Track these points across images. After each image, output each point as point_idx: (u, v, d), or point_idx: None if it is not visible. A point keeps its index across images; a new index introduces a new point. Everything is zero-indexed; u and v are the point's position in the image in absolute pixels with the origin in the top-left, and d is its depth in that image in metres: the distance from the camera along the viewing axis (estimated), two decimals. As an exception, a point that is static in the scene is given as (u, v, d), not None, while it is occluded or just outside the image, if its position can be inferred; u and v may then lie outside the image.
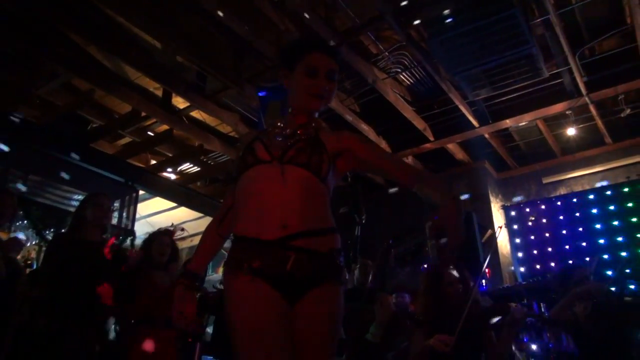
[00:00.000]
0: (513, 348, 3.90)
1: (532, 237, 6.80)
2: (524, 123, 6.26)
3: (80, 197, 5.94)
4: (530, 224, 6.87)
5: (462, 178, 7.19)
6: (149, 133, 6.69)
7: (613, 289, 5.16)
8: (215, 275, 6.75)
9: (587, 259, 6.06)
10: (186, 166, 7.51)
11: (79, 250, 3.14)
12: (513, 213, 7.11)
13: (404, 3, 4.23)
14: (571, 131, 6.31)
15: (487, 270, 5.93)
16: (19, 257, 3.73)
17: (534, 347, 4.23)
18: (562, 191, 6.95)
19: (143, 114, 5.78)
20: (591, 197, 6.53)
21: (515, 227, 7.01)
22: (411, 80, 5.70)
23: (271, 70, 5.10)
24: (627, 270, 5.72)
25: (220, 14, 4.08)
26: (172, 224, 7.02)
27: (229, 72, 5.11)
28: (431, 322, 3.08)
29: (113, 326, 3.68)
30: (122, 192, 6.08)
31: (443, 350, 2.73)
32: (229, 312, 1.52)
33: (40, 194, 5.94)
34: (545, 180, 7.14)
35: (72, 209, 5.90)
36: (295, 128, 1.75)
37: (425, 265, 6.48)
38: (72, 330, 2.96)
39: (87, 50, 4.92)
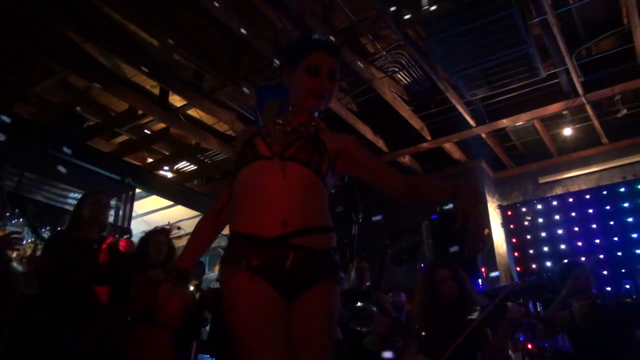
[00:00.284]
0: (509, 345, 3.92)
1: (529, 237, 6.82)
2: (520, 123, 6.27)
3: (77, 195, 5.93)
4: (526, 223, 6.89)
5: (459, 178, 7.20)
6: (146, 131, 6.68)
7: (609, 288, 5.19)
8: (212, 274, 6.74)
9: (583, 258, 6.09)
10: (183, 164, 7.49)
11: (77, 247, 3.14)
12: (509, 212, 7.12)
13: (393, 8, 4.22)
14: (568, 131, 6.33)
15: (483, 269, 5.95)
16: (14, 254, 3.71)
17: (529, 346, 4.24)
18: (559, 191, 6.97)
19: (140, 112, 5.77)
20: (587, 197, 6.55)
21: (512, 226, 7.03)
22: (408, 80, 5.71)
23: (268, 68, 5.10)
24: (623, 270, 5.76)
25: (216, 4, 4.06)
26: (169, 223, 7.02)
27: (226, 71, 5.10)
28: (425, 320, 3.11)
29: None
30: (118, 190, 6.06)
31: None
32: (227, 310, 1.51)
33: (36, 192, 5.92)
34: (542, 180, 7.16)
35: (68, 207, 5.90)
36: (295, 126, 1.75)
37: (422, 265, 6.49)
38: (68, 328, 2.95)
39: (84, 48, 4.90)
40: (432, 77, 5.27)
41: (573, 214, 6.56)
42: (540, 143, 6.90)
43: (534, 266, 6.57)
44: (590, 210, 6.43)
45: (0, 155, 4.91)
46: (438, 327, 3.06)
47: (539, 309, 4.31)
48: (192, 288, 4.14)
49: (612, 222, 6.21)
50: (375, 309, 4.19)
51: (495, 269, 6.47)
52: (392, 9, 4.25)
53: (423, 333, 3.15)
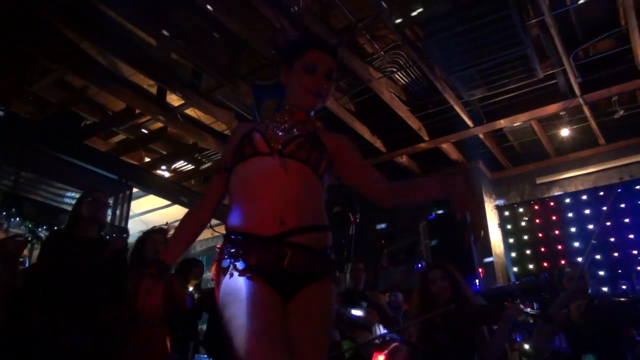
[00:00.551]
0: (506, 346, 3.93)
1: (526, 237, 6.83)
2: (518, 123, 6.28)
3: (74, 194, 5.92)
4: (523, 224, 6.90)
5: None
6: (143, 130, 6.67)
7: (605, 289, 5.20)
8: (209, 274, 6.73)
9: (579, 259, 6.10)
10: (180, 164, 7.49)
11: (76, 246, 3.13)
12: (506, 213, 7.13)
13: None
14: (565, 132, 6.35)
15: (480, 270, 5.95)
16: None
17: (526, 346, 4.25)
18: (556, 191, 6.99)
19: (137, 111, 5.76)
20: (584, 197, 6.57)
21: (509, 227, 7.04)
22: (406, 80, 5.71)
23: (266, 68, 5.09)
24: (619, 271, 5.77)
25: (209, 7, 4.06)
26: (167, 223, 7.02)
27: (224, 70, 5.09)
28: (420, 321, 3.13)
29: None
30: (115, 189, 6.05)
31: None
32: (222, 310, 1.50)
33: (33, 191, 5.90)
34: (539, 181, 7.17)
35: (65, 206, 5.88)
36: (294, 124, 1.74)
37: (419, 265, 6.49)
38: (66, 327, 2.95)
39: (81, 47, 4.89)
40: (429, 77, 5.27)
41: (570, 214, 6.57)
42: (538, 144, 6.91)
43: (531, 267, 6.58)
44: (587, 211, 6.45)
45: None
46: (433, 328, 3.07)
47: (536, 309, 4.31)
48: (191, 288, 4.13)
49: (609, 223, 6.22)
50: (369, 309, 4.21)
51: (492, 270, 6.48)
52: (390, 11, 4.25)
53: (416, 337, 3.17)
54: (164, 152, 7.18)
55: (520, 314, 2.92)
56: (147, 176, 6.67)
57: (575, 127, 6.41)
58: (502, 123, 6.13)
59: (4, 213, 4.86)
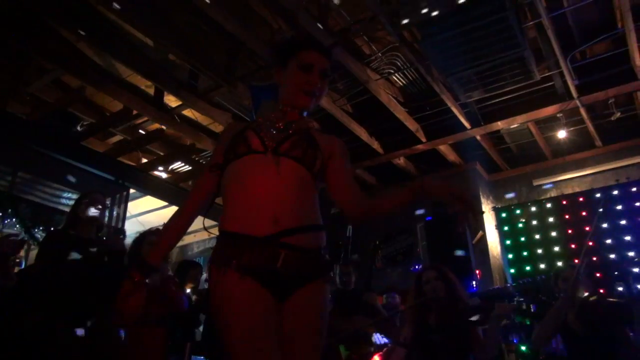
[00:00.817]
0: (503, 347, 3.93)
1: (523, 239, 6.84)
2: (515, 125, 6.29)
3: (70, 195, 5.90)
4: (520, 225, 6.91)
5: (454, 179, 7.21)
6: (140, 131, 6.66)
7: (602, 290, 5.21)
8: (205, 276, 6.72)
9: (576, 260, 6.10)
10: (177, 165, 7.47)
11: (73, 247, 3.13)
12: (504, 214, 7.14)
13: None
14: (562, 134, 6.36)
15: (477, 271, 5.96)
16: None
17: (523, 348, 4.26)
18: (553, 193, 7.00)
19: (134, 112, 5.75)
20: (581, 199, 6.58)
21: (506, 228, 7.05)
22: (404, 82, 5.71)
23: (264, 69, 5.09)
24: (616, 273, 5.78)
25: (208, 0, 4.05)
26: (164, 224, 6.99)
27: (222, 71, 5.09)
28: (415, 321, 3.15)
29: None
30: (112, 190, 6.04)
31: None
32: (217, 311, 1.50)
33: (29, 192, 5.89)
34: (536, 182, 7.18)
35: (62, 207, 5.87)
36: (287, 123, 1.73)
37: (416, 266, 6.50)
38: (63, 327, 2.94)
39: (78, 47, 4.88)
40: (427, 79, 5.28)
41: (567, 216, 6.59)
42: (535, 145, 6.92)
43: (527, 268, 6.59)
44: (584, 213, 6.46)
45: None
46: (428, 328, 3.09)
47: (532, 310, 4.32)
48: (188, 290, 4.12)
49: (605, 225, 6.23)
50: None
51: (489, 271, 6.49)
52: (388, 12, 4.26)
53: (410, 337, 3.19)
54: (161, 153, 7.16)
55: (509, 313, 2.94)
56: (144, 177, 6.66)
57: (572, 129, 6.43)
58: (500, 125, 6.14)
59: (0, 214, 4.84)
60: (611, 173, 6.63)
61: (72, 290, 3.00)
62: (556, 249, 6.48)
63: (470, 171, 7.19)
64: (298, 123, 1.75)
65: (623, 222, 6.15)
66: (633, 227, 6.06)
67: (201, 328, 4.75)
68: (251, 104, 5.12)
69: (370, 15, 4.48)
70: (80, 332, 3.00)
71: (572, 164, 6.95)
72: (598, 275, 5.93)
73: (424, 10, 4.15)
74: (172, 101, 5.85)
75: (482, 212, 1.80)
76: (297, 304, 1.53)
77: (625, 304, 3.49)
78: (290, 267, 1.51)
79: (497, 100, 5.77)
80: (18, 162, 5.42)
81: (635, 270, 5.77)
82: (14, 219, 5.34)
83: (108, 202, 5.80)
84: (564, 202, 6.69)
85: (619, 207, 6.25)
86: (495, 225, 7.11)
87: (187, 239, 9.10)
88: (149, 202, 7.17)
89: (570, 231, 6.46)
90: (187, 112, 6.18)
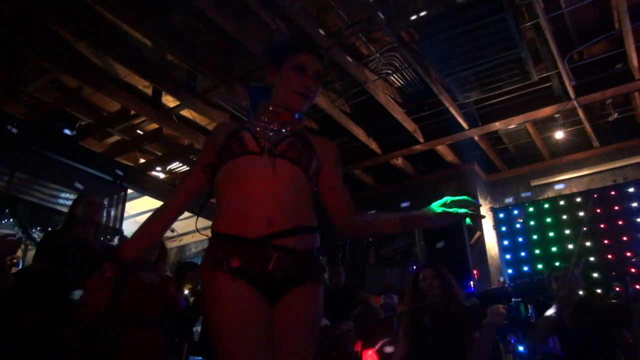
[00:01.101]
0: (500, 347, 3.94)
1: (520, 239, 6.85)
2: (513, 126, 6.31)
3: (68, 195, 5.89)
4: (518, 226, 6.92)
5: (452, 180, 7.23)
6: (138, 131, 6.65)
7: (599, 291, 5.21)
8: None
9: (573, 261, 6.11)
10: (175, 165, 7.46)
11: (71, 247, 3.13)
12: (501, 215, 7.15)
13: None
14: (559, 134, 6.37)
15: (475, 272, 5.97)
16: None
17: (520, 348, 4.26)
18: (550, 194, 7.01)
19: (132, 112, 5.74)
20: (578, 200, 6.59)
21: (504, 229, 7.06)
22: (402, 82, 5.72)
23: (262, 69, 5.09)
24: (613, 273, 5.79)
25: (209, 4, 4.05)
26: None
27: (220, 71, 5.09)
28: (411, 320, 3.17)
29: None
30: (110, 190, 6.03)
31: None
32: (208, 312, 1.50)
33: (27, 192, 5.88)
34: (534, 183, 7.19)
35: (59, 207, 5.86)
36: (282, 124, 1.73)
37: (414, 267, 6.50)
38: (59, 328, 2.94)
39: (76, 47, 4.87)
40: (425, 79, 5.28)
41: (564, 216, 6.60)
42: (533, 146, 6.94)
43: (525, 268, 6.60)
44: (581, 213, 6.47)
45: None
46: (423, 328, 3.10)
47: (530, 312, 4.33)
48: (186, 292, 4.12)
49: (602, 225, 6.25)
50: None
51: (487, 271, 6.50)
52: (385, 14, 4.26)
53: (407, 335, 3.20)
54: (159, 153, 7.16)
55: (502, 321, 2.94)
56: (142, 177, 6.65)
57: (569, 129, 6.44)
58: (497, 125, 6.15)
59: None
60: (608, 174, 6.65)
61: (69, 290, 3.00)
62: (554, 249, 6.49)
63: (468, 172, 7.20)
64: (292, 124, 1.74)
65: (620, 222, 6.17)
66: (630, 227, 6.08)
67: (199, 329, 4.75)
68: (249, 104, 5.12)
69: (368, 16, 4.48)
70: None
71: (570, 165, 6.97)
72: (596, 275, 5.96)
73: (422, 13, 4.15)
74: (170, 101, 5.85)
75: (483, 217, 1.78)
76: (289, 306, 1.53)
77: (621, 305, 3.49)
78: (283, 269, 1.51)
79: (495, 100, 5.78)
80: (16, 163, 5.41)
81: (633, 270, 5.77)
82: (11, 220, 5.33)
83: (105, 202, 5.80)
84: (562, 203, 6.71)
85: (616, 208, 6.26)
86: (493, 226, 7.13)
87: (185, 240, 9.09)
88: (146, 202, 7.16)
89: (567, 231, 6.48)
90: (185, 113, 6.18)
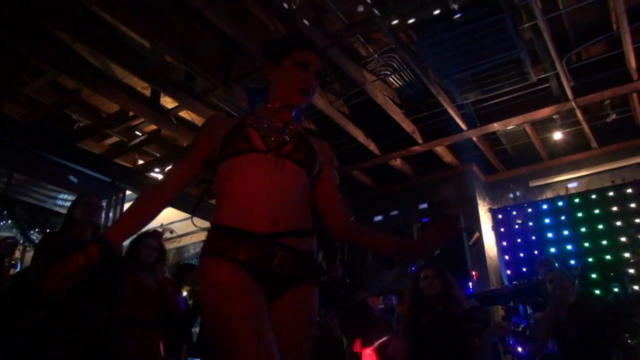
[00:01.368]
0: (500, 349, 3.94)
1: (519, 240, 6.86)
2: (511, 127, 6.31)
3: (66, 197, 5.89)
4: (516, 227, 6.93)
5: (450, 181, 7.23)
6: (137, 133, 6.64)
7: (598, 291, 5.22)
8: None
9: (573, 262, 6.13)
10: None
11: (69, 249, 3.11)
12: (500, 216, 7.16)
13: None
14: (558, 135, 6.38)
15: (473, 273, 5.97)
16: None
17: (520, 349, 4.26)
18: (549, 194, 7.02)
19: (131, 113, 5.73)
20: (577, 200, 6.60)
21: (502, 229, 7.06)
22: (400, 83, 5.72)
23: (260, 71, 5.09)
24: (611, 274, 5.80)
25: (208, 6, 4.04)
26: (162, 224, 6.98)
27: (218, 73, 5.08)
28: (410, 320, 3.18)
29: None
30: (108, 192, 6.02)
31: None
32: (212, 302, 1.44)
33: (25, 193, 5.87)
34: (532, 184, 7.20)
35: (57, 209, 5.85)
36: (284, 124, 1.72)
37: (413, 268, 6.50)
38: (57, 329, 2.93)
39: (74, 49, 4.87)
40: (423, 80, 5.29)
41: (563, 217, 6.61)
42: (531, 147, 6.94)
43: (524, 269, 6.60)
44: (580, 214, 6.49)
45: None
46: (422, 325, 3.11)
47: (529, 312, 4.33)
48: (185, 293, 4.11)
49: (600, 226, 6.26)
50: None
51: (486, 272, 6.50)
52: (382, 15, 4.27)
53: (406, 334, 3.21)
54: (158, 155, 7.15)
55: (506, 334, 2.95)
56: (141, 179, 6.64)
57: (567, 130, 6.45)
58: (496, 126, 6.16)
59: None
60: (607, 174, 6.66)
61: (68, 292, 2.99)
62: (552, 250, 6.49)
63: (467, 172, 7.21)
64: (292, 123, 1.74)
65: (618, 223, 6.17)
66: (628, 228, 6.09)
67: (197, 330, 4.74)
68: (247, 105, 5.11)
69: (367, 17, 4.48)
70: None
71: (568, 166, 6.98)
72: (594, 276, 5.96)
73: (420, 13, 4.16)
74: (168, 103, 5.84)
75: (463, 229, 1.80)
76: (286, 305, 1.52)
77: (618, 306, 3.50)
78: (285, 267, 1.50)
79: (494, 101, 5.78)
80: (14, 164, 5.40)
81: (631, 271, 5.78)
82: (9, 221, 5.32)
83: (104, 203, 5.80)
84: (560, 203, 6.71)
85: (614, 209, 6.27)
86: (492, 227, 7.13)
87: (183, 241, 9.08)
88: (145, 203, 7.14)
89: (566, 232, 6.48)
90: (184, 114, 6.17)
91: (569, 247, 6.38)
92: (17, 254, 5.48)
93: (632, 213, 6.14)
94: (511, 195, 7.36)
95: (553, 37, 4.67)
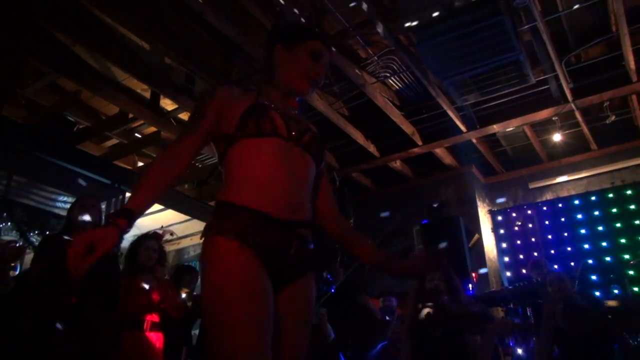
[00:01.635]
0: (499, 350, 3.94)
1: (519, 242, 6.86)
2: (511, 128, 6.32)
3: (66, 199, 5.88)
4: (516, 228, 6.93)
5: (450, 182, 7.24)
6: (137, 135, 6.64)
7: (597, 293, 5.21)
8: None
9: (572, 263, 6.13)
10: (174, 168, 7.44)
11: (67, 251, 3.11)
12: (500, 218, 7.16)
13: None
14: (557, 137, 6.38)
15: (473, 274, 5.97)
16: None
17: (519, 351, 4.26)
18: (548, 196, 7.02)
19: (130, 115, 5.73)
20: (576, 202, 6.60)
21: (502, 231, 7.06)
22: (400, 85, 5.73)
23: (260, 72, 5.09)
24: (611, 276, 5.80)
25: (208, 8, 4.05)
26: (162, 227, 6.97)
27: (218, 74, 5.09)
28: (413, 321, 3.18)
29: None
30: (108, 193, 6.01)
31: None
32: (216, 275, 1.38)
33: (25, 195, 5.86)
34: (532, 186, 7.20)
35: (57, 211, 5.84)
36: (296, 113, 1.73)
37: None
38: (56, 332, 2.93)
39: (73, 50, 4.87)
40: (423, 82, 5.29)
41: (562, 219, 6.61)
42: (530, 149, 6.95)
43: (524, 271, 6.60)
44: (580, 216, 6.49)
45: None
46: (425, 326, 3.11)
47: (529, 314, 4.33)
48: (184, 295, 4.11)
49: (600, 228, 6.26)
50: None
51: (486, 275, 6.49)
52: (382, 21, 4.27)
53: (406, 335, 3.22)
54: (157, 157, 7.14)
55: (509, 330, 2.95)
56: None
57: (567, 132, 6.46)
58: (495, 128, 6.17)
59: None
60: (606, 176, 6.66)
61: (67, 294, 2.99)
62: (552, 251, 6.49)
63: (466, 174, 7.21)
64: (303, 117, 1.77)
65: (618, 224, 6.18)
66: (628, 230, 6.09)
67: (197, 332, 4.73)
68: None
69: (366, 19, 4.48)
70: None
71: (568, 167, 6.98)
72: (594, 278, 5.96)
73: (420, 14, 4.16)
74: (168, 105, 5.84)
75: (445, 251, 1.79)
76: (291, 296, 1.52)
77: (617, 307, 3.50)
78: (300, 257, 1.50)
79: (493, 103, 5.79)
80: (13, 166, 5.40)
81: (631, 272, 5.79)
82: (9, 223, 5.31)
83: (103, 205, 5.79)
84: (560, 205, 6.72)
85: (614, 210, 6.28)
86: (492, 228, 7.13)
87: (183, 243, 9.07)
88: (145, 205, 7.14)
89: (565, 234, 6.48)
90: (184, 116, 6.17)
91: (568, 248, 6.38)
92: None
93: (631, 214, 6.14)
94: (510, 197, 7.36)
95: (552, 39, 4.67)
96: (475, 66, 4.69)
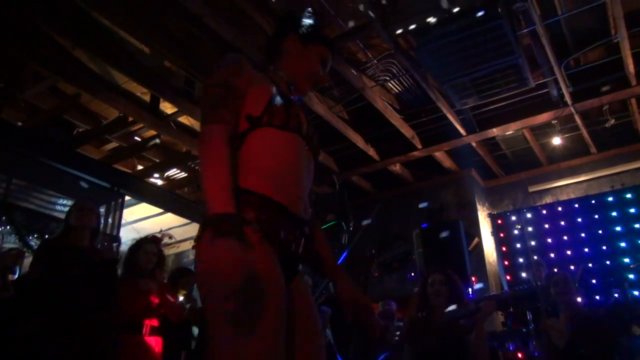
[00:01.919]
0: (499, 355, 3.93)
1: (518, 246, 6.85)
2: (510, 132, 6.32)
3: (65, 202, 5.88)
4: (516, 232, 6.92)
5: (449, 186, 7.23)
6: (136, 138, 6.64)
7: (598, 297, 5.20)
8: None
9: (572, 267, 6.12)
10: (173, 172, 7.45)
11: (66, 255, 3.11)
12: (499, 221, 7.15)
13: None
14: (557, 141, 6.38)
15: (473, 278, 5.96)
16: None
17: (519, 355, 4.25)
18: (548, 200, 7.02)
19: (130, 119, 5.74)
20: (576, 206, 6.60)
21: (502, 235, 7.06)
22: (399, 89, 5.73)
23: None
24: (612, 279, 5.79)
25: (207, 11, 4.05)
26: (161, 230, 6.96)
27: (218, 78, 5.08)
28: (414, 324, 3.18)
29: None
30: (108, 197, 6.01)
31: None
32: (240, 283, 1.22)
33: (24, 199, 5.86)
34: (531, 189, 7.20)
35: (57, 214, 5.84)
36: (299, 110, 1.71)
37: (412, 274, 6.49)
38: (56, 336, 2.92)
39: (73, 54, 4.88)
40: (422, 86, 5.30)
41: (562, 222, 6.60)
42: (530, 152, 6.95)
43: (523, 275, 6.59)
44: (579, 219, 6.48)
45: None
46: (426, 330, 3.11)
47: (528, 317, 4.31)
48: (181, 298, 4.09)
49: (600, 231, 6.25)
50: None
51: (485, 278, 6.49)
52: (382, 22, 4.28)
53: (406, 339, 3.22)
54: (157, 160, 7.15)
55: (494, 309, 2.97)
56: (140, 184, 6.64)
57: (566, 135, 6.46)
58: (495, 132, 6.17)
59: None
60: (606, 179, 6.66)
61: (66, 298, 2.99)
62: (552, 255, 6.48)
63: (466, 178, 7.21)
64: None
65: (618, 228, 6.17)
66: (628, 233, 6.09)
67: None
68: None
69: (365, 23, 4.49)
70: None
71: (567, 171, 6.98)
72: (594, 281, 5.95)
73: (419, 18, 4.17)
74: (168, 108, 5.84)
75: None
76: (299, 290, 1.52)
77: (616, 309, 3.50)
78: (305, 254, 1.54)
79: (493, 107, 5.79)
80: (13, 169, 5.40)
81: (631, 276, 5.78)
82: (8, 227, 5.31)
83: (103, 209, 5.78)
84: (559, 209, 6.71)
85: (614, 214, 6.27)
86: (491, 232, 7.12)
87: (182, 246, 9.06)
88: (144, 209, 7.14)
89: (565, 238, 6.48)
90: (183, 119, 6.18)
91: (568, 252, 6.37)
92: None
93: (631, 218, 6.14)
94: (510, 201, 7.36)
95: (551, 43, 4.68)
96: (475, 70, 4.70)
